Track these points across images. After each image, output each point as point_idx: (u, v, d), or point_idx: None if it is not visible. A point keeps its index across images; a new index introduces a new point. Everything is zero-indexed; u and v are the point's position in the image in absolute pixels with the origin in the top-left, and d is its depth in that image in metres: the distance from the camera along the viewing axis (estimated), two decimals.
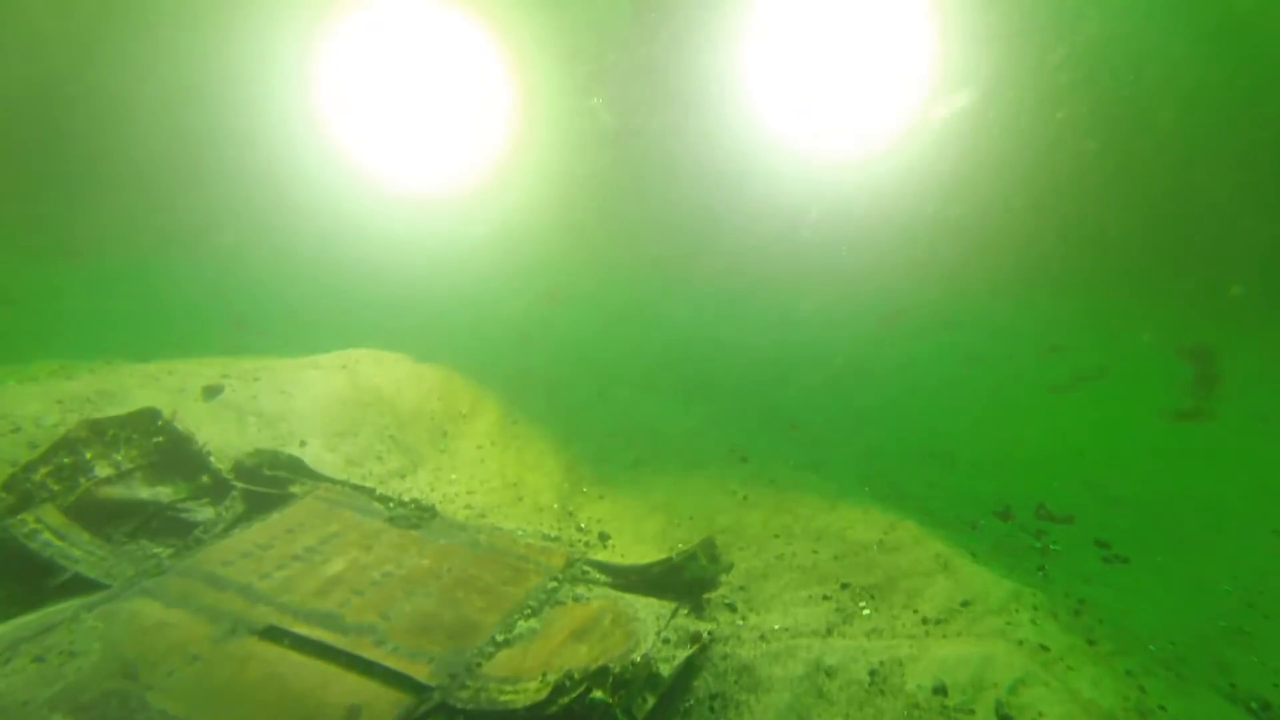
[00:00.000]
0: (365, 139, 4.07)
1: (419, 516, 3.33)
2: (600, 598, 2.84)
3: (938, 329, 8.32)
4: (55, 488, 3.12)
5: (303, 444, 4.13)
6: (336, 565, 2.92)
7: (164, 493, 3.38)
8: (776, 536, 3.16)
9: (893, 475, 3.78)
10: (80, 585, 2.70)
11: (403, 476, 4.13)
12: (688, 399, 4.80)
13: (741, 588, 2.86)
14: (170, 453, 3.54)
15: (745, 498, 3.54)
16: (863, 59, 4.36)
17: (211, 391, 4.30)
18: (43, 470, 3.14)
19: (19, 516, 2.88)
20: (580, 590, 2.90)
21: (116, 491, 3.25)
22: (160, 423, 3.58)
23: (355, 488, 3.66)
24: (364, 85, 3.96)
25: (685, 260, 6.32)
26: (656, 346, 5.97)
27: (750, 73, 3.88)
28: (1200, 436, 4.73)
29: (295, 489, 3.54)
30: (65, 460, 3.23)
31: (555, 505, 3.81)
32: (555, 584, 2.92)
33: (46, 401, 3.84)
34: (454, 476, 4.16)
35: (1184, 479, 4.01)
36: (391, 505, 3.43)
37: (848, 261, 10.77)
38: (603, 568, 3.08)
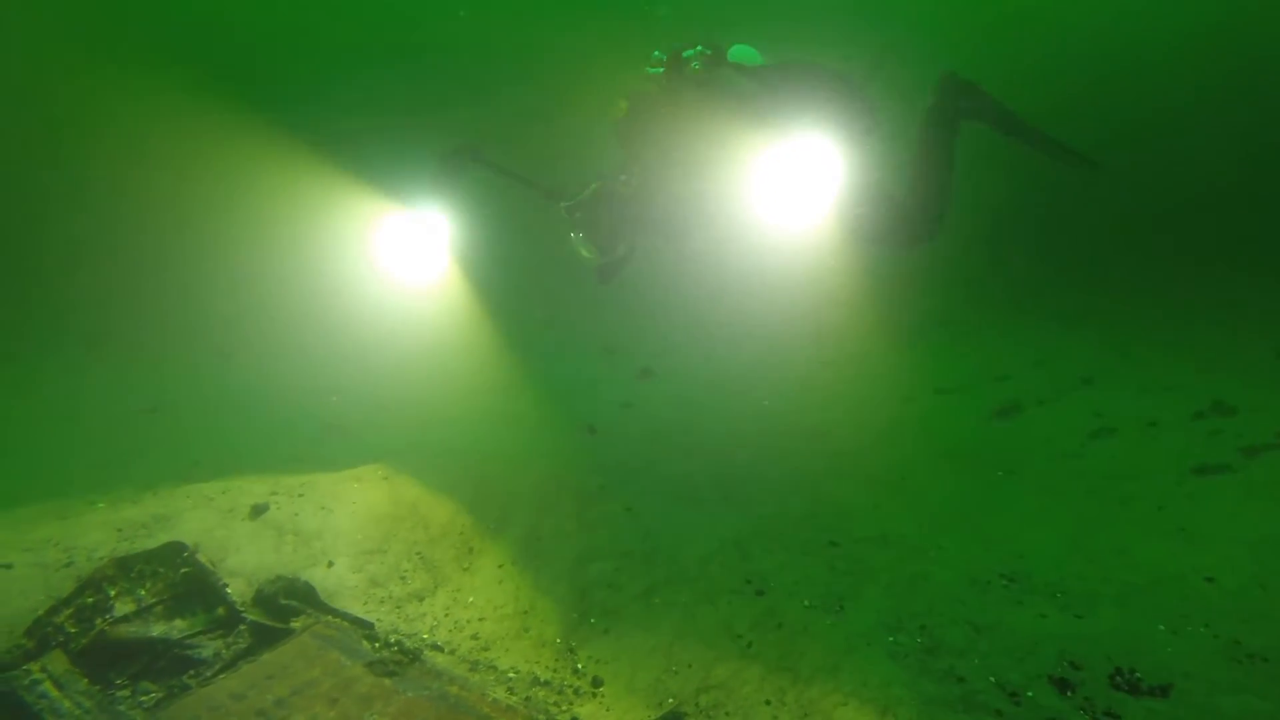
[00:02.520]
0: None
1: (397, 663, 3.19)
2: None
3: (1071, 387, 7.20)
4: (72, 630, 3.30)
5: (330, 565, 4.18)
6: None
7: (179, 627, 3.51)
8: (767, 703, 2.70)
9: (935, 614, 3.14)
10: None
11: (421, 599, 4.05)
12: (724, 506, 4.39)
13: None
14: (194, 584, 3.68)
15: (749, 645, 3.09)
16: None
17: (257, 510, 4.49)
18: (65, 613, 3.35)
19: (24, 667, 3.05)
20: None
21: (129, 630, 3.40)
22: (185, 554, 3.75)
23: (354, 622, 3.61)
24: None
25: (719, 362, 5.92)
26: (704, 440, 5.59)
27: (738, 195, 3.60)
28: None
29: (297, 623, 3.54)
30: (89, 600, 3.43)
31: (558, 640, 3.55)
32: None
33: (107, 530, 4.16)
34: (471, 599, 4.02)
35: None
36: (377, 646, 3.33)
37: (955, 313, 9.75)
38: None
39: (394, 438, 5.91)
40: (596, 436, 6.06)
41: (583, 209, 3.60)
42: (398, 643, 3.33)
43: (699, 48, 3.86)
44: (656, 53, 3.87)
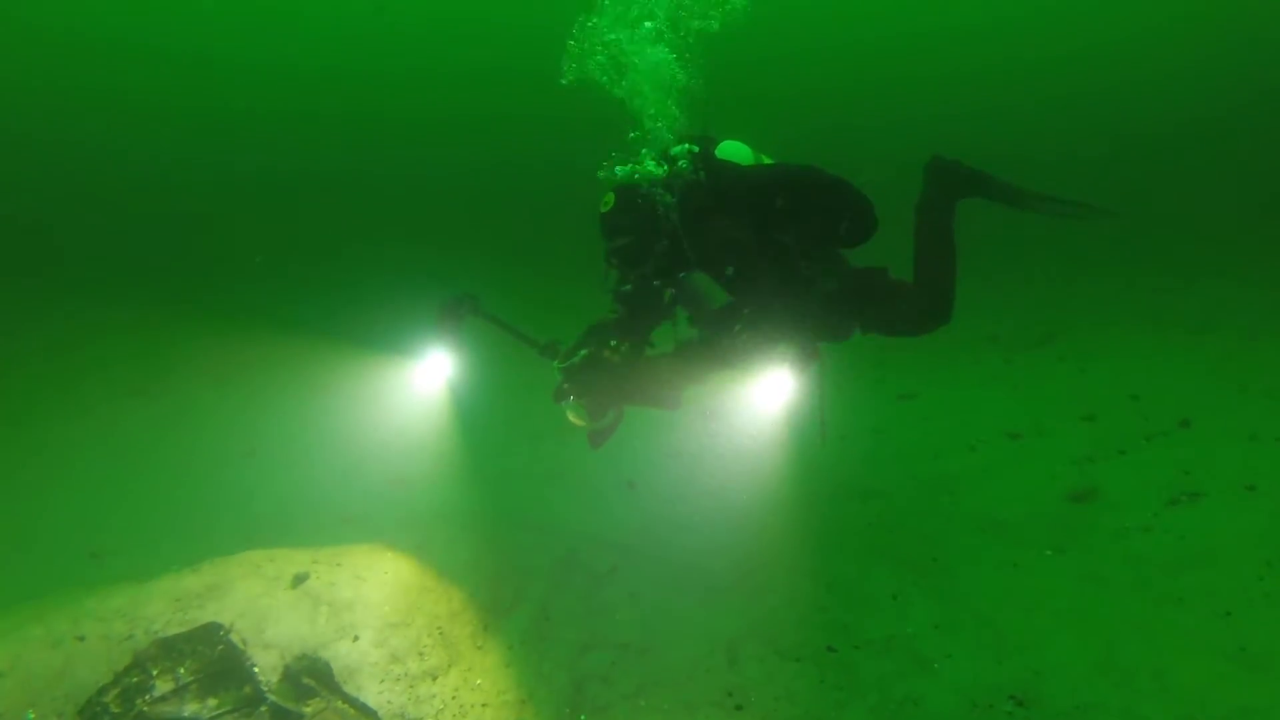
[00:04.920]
0: None
1: None
2: None
3: (1164, 430, 6.47)
4: (116, 711, 3.70)
5: (355, 639, 4.44)
6: None
7: (210, 705, 3.85)
8: None
9: None
10: None
11: (434, 677, 4.24)
12: (734, 595, 4.29)
13: None
14: (227, 662, 4.02)
15: None
16: None
17: (298, 579, 4.83)
18: (113, 693, 3.76)
19: None
20: None
21: (165, 710, 3.76)
22: (221, 634, 4.11)
23: (360, 709, 3.83)
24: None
25: None
26: (738, 505, 5.46)
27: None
28: None
29: (310, 707, 3.80)
30: (134, 680, 3.83)
31: None
32: None
33: (166, 600, 4.59)
34: (479, 681, 4.17)
35: None
36: None
37: None
38: None
39: (449, 497, 6.15)
40: (633, 492, 6.08)
41: (572, 377, 3.68)
42: None
43: (686, 145, 3.80)
44: (645, 150, 3.83)
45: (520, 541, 5.10)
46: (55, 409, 9.58)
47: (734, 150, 3.90)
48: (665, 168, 3.76)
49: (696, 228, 3.61)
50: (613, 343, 3.64)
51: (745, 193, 3.67)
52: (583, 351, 3.67)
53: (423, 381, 4.13)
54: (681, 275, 3.78)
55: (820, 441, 4.15)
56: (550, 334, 3.92)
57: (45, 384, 10.34)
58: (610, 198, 3.75)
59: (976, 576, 4.33)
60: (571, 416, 3.71)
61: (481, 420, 6.43)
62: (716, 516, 5.43)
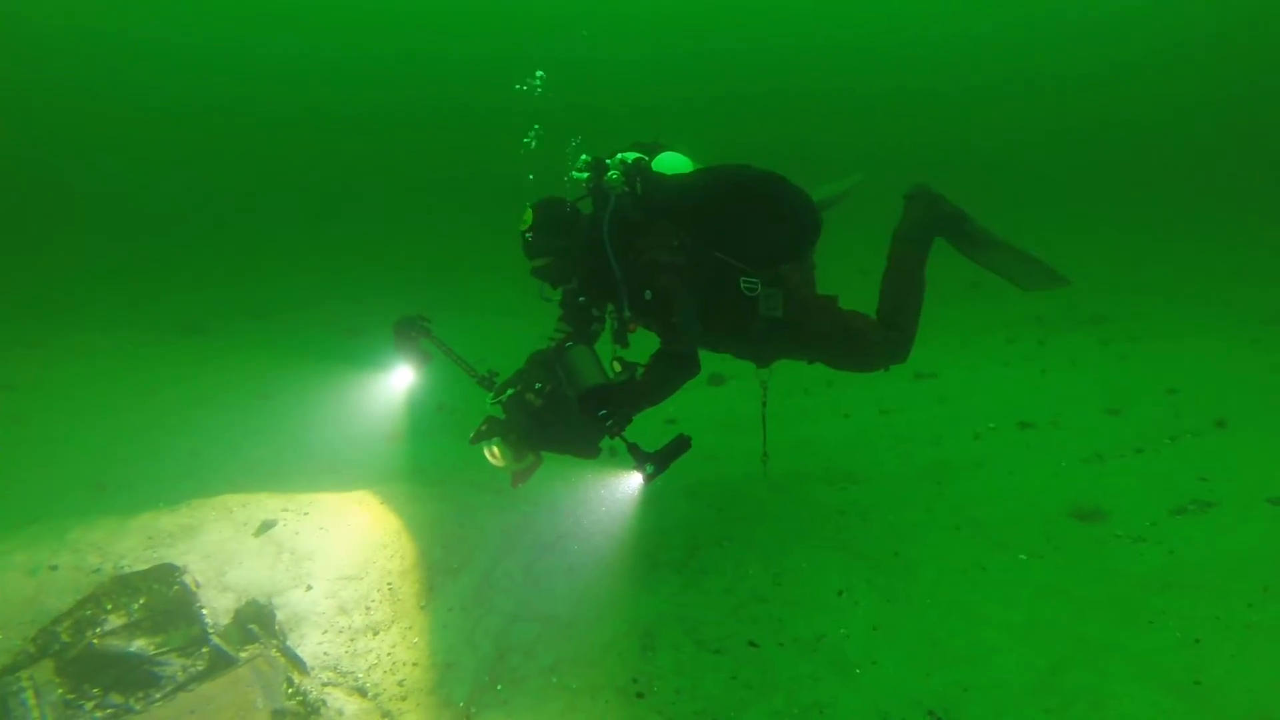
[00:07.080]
0: None
1: (296, 715, 3.43)
2: None
3: (1196, 430, 5.94)
4: (66, 640, 3.89)
5: (309, 588, 4.54)
6: None
7: (156, 642, 4.01)
8: None
9: None
10: None
11: (375, 633, 4.31)
12: (671, 573, 4.19)
13: None
14: (180, 603, 4.17)
15: None
16: None
17: (266, 525, 4.97)
18: (65, 623, 3.95)
19: (15, 674, 3.65)
20: None
21: (113, 644, 3.93)
22: (176, 574, 4.25)
23: (291, 659, 3.92)
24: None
25: None
26: (723, 475, 5.30)
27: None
28: None
29: (246, 652, 3.91)
30: (87, 612, 4.01)
31: (462, 703, 3.66)
32: None
33: (140, 538, 4.81)
34: (415, 640, 4.22)
35: None
36: (290, 692, 3.60)
37: None
38: None
39: (428, 451, 6.20)
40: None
41: (494, 420, 3.69)
42: (303, 694, 3.57)
43: (619, 156, 3.58)
44: (584, 156, 3.62)
45: (480, 502, 5.09)
46: (102, 343, 10.12)
47: (671, 162, 3.65)
48: (589, 176, 3.57)
49: (621, 246, 3.42)
50: (538, 385, 3.58)
51: (672, 206, 3.43)
52: (510, 390, 3.68)
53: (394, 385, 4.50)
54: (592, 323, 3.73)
55: (763, 465, 4.04)
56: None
57: (96, 321, 10.92)
58: (529, 215, 3.60)
59: (936, 577, 4.09)
60: (489, 457, 3.74)
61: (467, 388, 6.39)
62: (688, 492, 5.29)
